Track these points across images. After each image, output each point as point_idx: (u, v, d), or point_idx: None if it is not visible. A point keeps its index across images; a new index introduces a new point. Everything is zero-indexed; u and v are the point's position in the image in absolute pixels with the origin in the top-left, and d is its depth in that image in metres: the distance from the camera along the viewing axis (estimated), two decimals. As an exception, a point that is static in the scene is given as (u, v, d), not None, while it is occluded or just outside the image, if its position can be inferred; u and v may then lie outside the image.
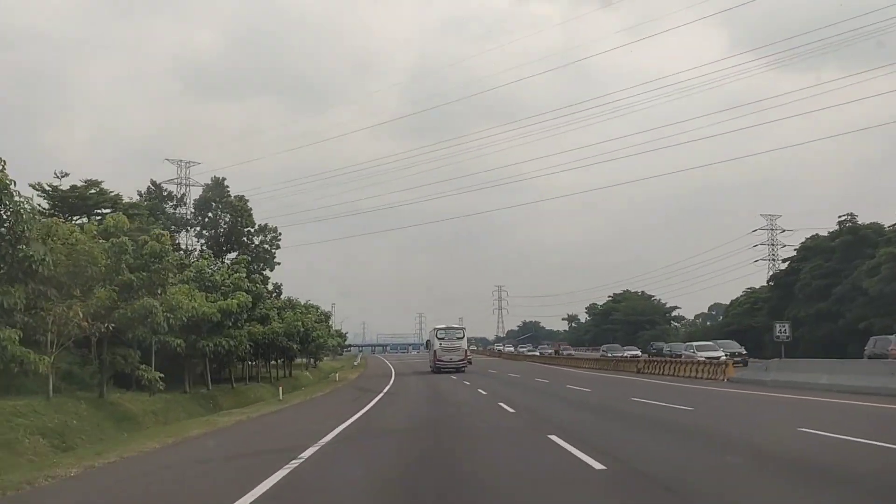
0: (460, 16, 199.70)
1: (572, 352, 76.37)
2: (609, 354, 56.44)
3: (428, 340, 56.47)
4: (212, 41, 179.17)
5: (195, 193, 62.79)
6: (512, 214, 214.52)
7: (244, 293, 28.94)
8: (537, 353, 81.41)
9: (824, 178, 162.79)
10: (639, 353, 58.00)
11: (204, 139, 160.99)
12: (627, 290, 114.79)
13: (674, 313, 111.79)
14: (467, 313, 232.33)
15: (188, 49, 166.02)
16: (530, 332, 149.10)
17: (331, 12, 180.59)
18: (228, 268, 35.84)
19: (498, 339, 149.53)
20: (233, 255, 54.03)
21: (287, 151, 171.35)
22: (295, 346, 41.29)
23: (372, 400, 25.06)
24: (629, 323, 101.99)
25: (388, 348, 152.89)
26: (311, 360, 63.16)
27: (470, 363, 51.26)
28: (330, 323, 70.42)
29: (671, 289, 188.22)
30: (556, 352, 77.25)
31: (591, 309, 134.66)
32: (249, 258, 44.42)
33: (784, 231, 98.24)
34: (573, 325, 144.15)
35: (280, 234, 59.86)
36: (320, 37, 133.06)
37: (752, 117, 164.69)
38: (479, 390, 28.37)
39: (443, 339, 50.23)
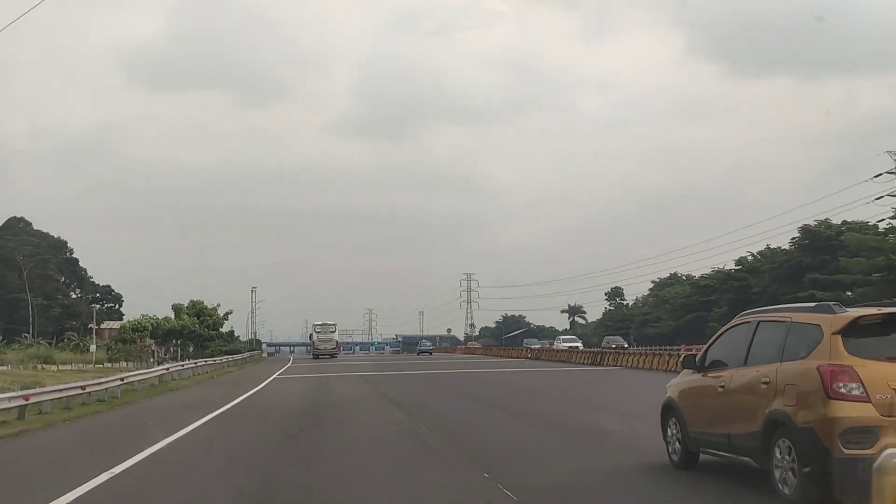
0: (413, 10, 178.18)
1: None
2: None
3: (310, 334, 73.47)
4: (153, 31, 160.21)
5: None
6: (474, 209, 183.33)
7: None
8: None
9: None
10: None
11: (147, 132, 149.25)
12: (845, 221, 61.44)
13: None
14: (430, 310, 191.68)
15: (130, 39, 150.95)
16: (523, 328, 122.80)
17: (278, 4, 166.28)
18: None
19: (468, 338, 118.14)
20: None
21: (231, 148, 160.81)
22: None
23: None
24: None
25: None
26: None
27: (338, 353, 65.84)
28: None
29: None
30: None
31: (614, 293, 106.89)
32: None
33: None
34: (575, 318, 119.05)
35: None
36: (266, 29, 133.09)
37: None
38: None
39: (320, 332, 65.54)
